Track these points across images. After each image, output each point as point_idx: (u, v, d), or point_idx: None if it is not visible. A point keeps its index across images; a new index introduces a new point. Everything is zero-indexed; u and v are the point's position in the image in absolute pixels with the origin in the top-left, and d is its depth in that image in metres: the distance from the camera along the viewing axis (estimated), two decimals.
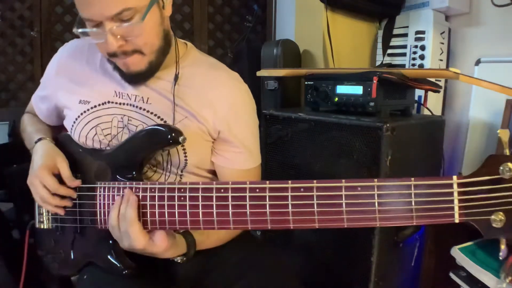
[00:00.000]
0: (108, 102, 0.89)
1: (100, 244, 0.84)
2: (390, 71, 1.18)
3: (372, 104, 1.17)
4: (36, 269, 0.99)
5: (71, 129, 0.92)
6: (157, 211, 0.73)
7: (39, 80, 1.04)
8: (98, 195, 0.81)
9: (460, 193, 0.52)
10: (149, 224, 0.74)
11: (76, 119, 0.90)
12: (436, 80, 1.50)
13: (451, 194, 0.52)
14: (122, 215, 0.74)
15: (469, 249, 1.15)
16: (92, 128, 0.89)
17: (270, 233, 1.49)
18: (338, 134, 1.20)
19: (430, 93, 1.33)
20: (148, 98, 0.88)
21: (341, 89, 1.26)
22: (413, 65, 1.67)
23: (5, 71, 2.35)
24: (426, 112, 1.43)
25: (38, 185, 0.82)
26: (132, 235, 0.72)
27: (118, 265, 0.82)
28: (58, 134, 0.99)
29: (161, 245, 0.74)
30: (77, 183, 0.83)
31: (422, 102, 1.38)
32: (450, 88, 1.73)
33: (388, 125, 1.08)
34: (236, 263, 0.90)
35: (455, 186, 0.52)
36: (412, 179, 0.55)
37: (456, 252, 1.15)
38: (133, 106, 0.88)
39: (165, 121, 0.87)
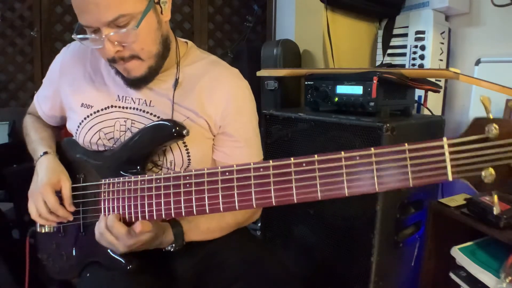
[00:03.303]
0: (112, 106, 0.90)
1: None
2: (390, 71, 1.18)
3: (372, 104, 1.17)
4: (37, 270, 0.99)
5: (76, 133, 0.93)
6: (162, 200, 0.74)
7: (39, 80, 1.04)
8: (102, 192, 0.82)
9: (451, 153, 0.56)
10: (155, 214, 0.75)
11: (80, 123, 0.91)
12: (436, 80, 1.50)
13: (443, 154, 0.56)
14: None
15: (469, 249, 1.15)
16: (95, 132, 0.90)
17: (270, 233, 1.49)
18: (338, 134, 1.20)
19: (430, 93, 1.33)
20: (151, 100, 0.89)
21: (341, 89, 1.26)
22: (413, 65, 1.67)
23: (5, 71, 2.35)
24: (426, 112, 1.43)
25: (39, 200, 0.84)
26: (117, 233, 0.75)
27: (122, 261, 0.82)
28: (61, 140, 0.99)
29: (142, 231, 0.75)
30: (72, 208, 0.85)
31: (422, 102, 1.38)
32: (450, 88, 1.73)
33: (388, 125, 1.08)
34: (235, 263, 0.90)
35: (445, 146, 0.56)
36: (406, 144, 0.59)
37: (456, 252, 1.15)
38: (137, 109, 0.89)
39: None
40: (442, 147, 0.56)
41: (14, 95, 2.38)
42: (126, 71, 0.83)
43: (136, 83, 0.86)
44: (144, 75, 0.84)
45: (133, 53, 0.80)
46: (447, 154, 0.56)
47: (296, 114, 1.33)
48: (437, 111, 1.66)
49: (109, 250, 0.83)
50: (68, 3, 2.41)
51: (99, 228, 0.78)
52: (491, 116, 0.56)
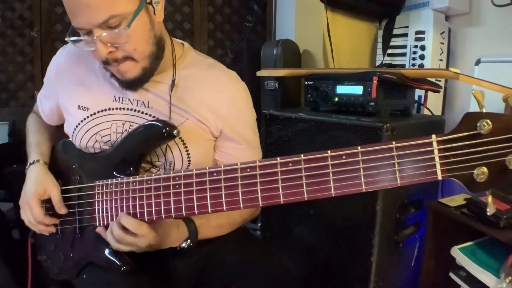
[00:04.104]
0: (108, 109, 0.90)
1: (98, 243, 0.85)
2: (390, 71, 1.18)
3: (372, 104, 1.17)
4: (38, 270, 0.99)
5: (72, 136, 0.94)
6: (153, 201, 0.75)
7: (39, 80, 1.05)
8: (96, 194, 0.83)
9: (440, 150, 0.53)
10: (146, 215, 0.75)
11: (76, 126, 0.91)
12: (436, 80, 1.50)
13: (432, 152, 0.54)
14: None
15: (469, 249, 1.15)
16: (92, 136, 0.90)
17: (270, 233, 1.49)
18: (338, 134, 1.20)
19: (430, 93, 1.33)
20: (148, 102, 0.89)
21: (341, 89, 1.26)
22: (413, 65, 1.67)
23: (5, 71, 2.35)
24: (426, 112, 1.43)
25: (27, 211, 0.88)
26: (141, 233, 0.75)
27: (117, 262, 0.82)
28: (58, 143, 1.00)
29: (148, 235, 0.76)
30: (64, 211, 0.87)
31: (422, 102, 1.38)
32: (450, 88, 1.73)
33: (388, 125, 1.08)
34: (235, 263, 0.90)
35: (434, 144, 0.53)
36: (393, 142, 0.56)
37: (456, 252, 1.15)
38: (134, 110, 0.89)
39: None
40: (430, 144, 0.54)
41: (14, 95, 2.38)
42: (120, 73, 0.83)
43: (131, 84, 0.86)
44: (139, 77, 0.84)
45: (126, 54, 0.79)
46: (436, 151, 0.54)
47: (296, 114, 1.33)
48: (437, 111, 1.66)
49: (106, 251, 0.83)
50: None
51: (116, 235, 0.77)
52: (484, 111, 0.53)
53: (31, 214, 0.87)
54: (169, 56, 0.90)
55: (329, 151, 0.60)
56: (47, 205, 0.88)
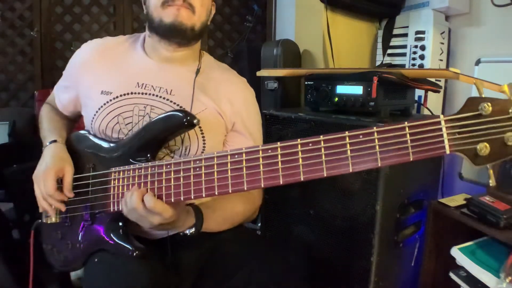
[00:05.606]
0: (131, 93, 0.93)
1: (109, 228, 0.87)
2: (390, 71, 1.18)
3: (372, 104, 1.17)
4: (37, 269, 0.99)
5: (92, 119, 0.95)
6: (172, 184, 0.76)
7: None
8: (112, 179, 0.85)
9: (447, 128, 0.60)
10: (164, 198, 0.76)
11: (98, 109, 0.94)
12: (436, 80, 1.50)
13: (440, 130, 0.60)
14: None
15: (469, 249, 1.15)
16: (114, 117, 0.93)
17: (270, 233, 1.49)
18: None
19: (430, 93, 1.33)
20: (171, 89, 0.94)
21: (341, 89, 1.26)
22: (413, 65, 1.67)
23: (5, 71, 2.35)
24: (426, 112, 1.43)
25: (40, 183, 0.88)
26: (158, 209, 0.75)
27: (129, 247, 0.84)
28: (70, 135, 1.02)
29: (166, 212, 0.75)
30: (71, 195, 0.89)
31: (422, 102, 1.38)
32: (450, 88, 1.73)
33: None
34: (236, 255, 0.92)
35: (442, 123, 0.60)
36: (406, 122, 0.62)
37: (456, 252, 1.15)
38: (157, 96, 0.93)
39: (181, 107, 0.92)
40: (439, 123, 0.60)
41: (14, 95, 2.38)
42: (176, 14, 0.88)
43: (175, 28, 0.89)
44: (187, 28, 0.90)
45: (192, 2, 0.88)
46: (444, 129, 0.60)
47: (296, 114, 1.33)
48: (437, 111, 1.66)
49: (117, 237, 0.85)
50: (68, 3, 2.41)
51: (133, 204, 0.76)
52: (483, 95, 0.60)
53: (44, 186, 0.87)
54: (197, 48, 1.00)
55: (347, 132, 0.65)
56: (60, 185, 0.89)
